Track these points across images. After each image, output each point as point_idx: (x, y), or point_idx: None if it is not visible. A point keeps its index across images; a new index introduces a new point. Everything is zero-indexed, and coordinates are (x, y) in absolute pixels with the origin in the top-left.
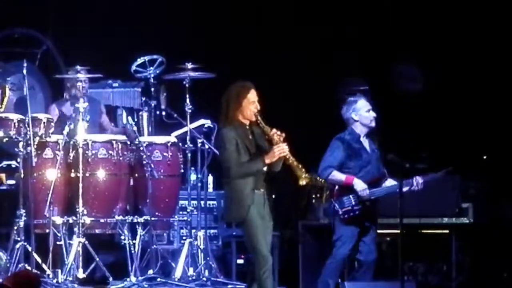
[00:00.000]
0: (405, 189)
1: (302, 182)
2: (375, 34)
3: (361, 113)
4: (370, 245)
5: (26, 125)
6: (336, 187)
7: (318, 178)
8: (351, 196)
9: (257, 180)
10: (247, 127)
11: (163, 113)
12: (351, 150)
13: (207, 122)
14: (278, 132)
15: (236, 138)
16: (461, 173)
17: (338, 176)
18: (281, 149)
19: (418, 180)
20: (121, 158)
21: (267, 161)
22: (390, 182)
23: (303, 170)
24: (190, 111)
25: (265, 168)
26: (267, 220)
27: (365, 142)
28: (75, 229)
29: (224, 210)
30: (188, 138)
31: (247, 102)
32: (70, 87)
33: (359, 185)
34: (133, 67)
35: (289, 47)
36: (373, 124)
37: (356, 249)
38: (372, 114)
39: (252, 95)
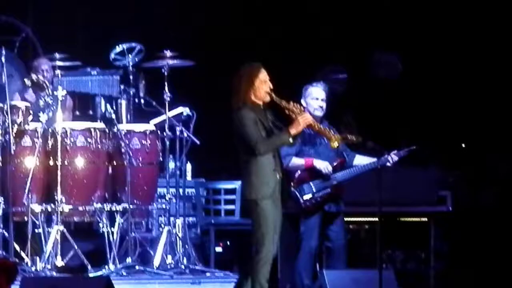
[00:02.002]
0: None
1: (334, 143)
2: (353, 22)
3: (308, 100)
4: (338, 231)
5: (5, 113)
6: (296, 175)
7: (348, 135)
8: (311, 183)
9: (276, 163)
10: (262, 108)
11: (142, 101)
12: (305, 136)
13: (185, 110)
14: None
15: (255, 117)
16: (440, 161)
17: (297, 161)
18: (305, 118)
19: (393, 158)
20: (99, 146)
21: (293, 131)
22: (359, 160)
23: (332, 132)
24: (168, 99)
25: (291, 140)
26: (279, 207)
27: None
28: (54, 217)
29: (246, 187)
30: (166, 126)
31: (260, 82)
32: (34, 73)
33: (320, 163)
34: (112, 55)
35: (267, 36)
36: (316, 113)
37: (324, 236)
38: (318, 103)
39: (263, 75)
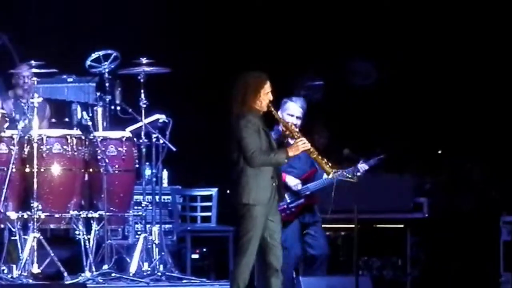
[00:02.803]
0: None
1: (330, 175)
2: (328, 29)
3: (284, 114)
4: (320, 240)
5: None
6: None
7: (343, 171)
8: (285, 195)
9: (273, 169)
10: (261, 116)
11: (118, 108)
12: None
13: (162, 117)
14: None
15: (259, 126)
16: (416, 168)
17: None
18: (305, 143)
19: (363, 167)
20: (75, 153)
21: (291, 154)
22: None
23: (329, 164)
24: (144, 106)
25: (286, 161)
26: (277, 214)
27: (292, 140)
28: (30, 224)
29: (241, 191)
30: (143, 133)
31: (264, 93)
32: (15, 84)
33: (292, 181)
34: (88, 62)
35: (245, 42)
36: None
37: (307, 245)
38: (293, 120)
39: (267, 86)
